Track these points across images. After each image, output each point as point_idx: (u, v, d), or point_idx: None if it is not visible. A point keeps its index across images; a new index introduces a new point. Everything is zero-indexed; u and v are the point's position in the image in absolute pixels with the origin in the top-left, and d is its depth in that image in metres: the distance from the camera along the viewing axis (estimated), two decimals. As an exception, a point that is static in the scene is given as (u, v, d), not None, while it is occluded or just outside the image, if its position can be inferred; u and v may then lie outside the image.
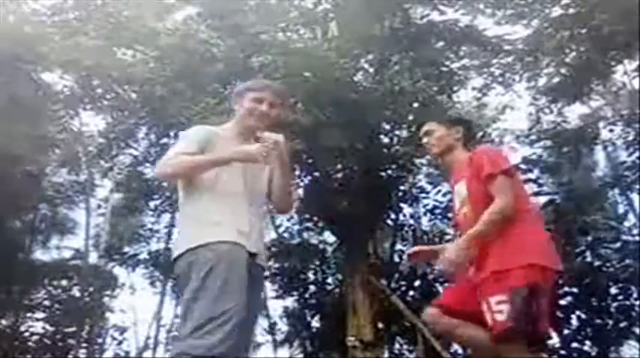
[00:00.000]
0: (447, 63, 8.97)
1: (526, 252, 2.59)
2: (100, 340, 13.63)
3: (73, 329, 12.67)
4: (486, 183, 2.71)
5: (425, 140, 3.09)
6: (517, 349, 2.52)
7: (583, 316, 8.30)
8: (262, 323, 16.98)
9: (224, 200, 2.52)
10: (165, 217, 12.37)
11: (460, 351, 8.99)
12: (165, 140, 10.08)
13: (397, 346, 10.37)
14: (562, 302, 8.20)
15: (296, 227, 11.49)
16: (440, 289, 9.96)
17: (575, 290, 8.32)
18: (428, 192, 10.49)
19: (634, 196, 11.44)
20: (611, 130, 11.53)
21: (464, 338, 2.81)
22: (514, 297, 2.50)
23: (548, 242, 2.74)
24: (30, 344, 12.54)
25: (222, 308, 2.26)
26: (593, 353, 8.22)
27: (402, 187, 9.63)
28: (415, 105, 8.22)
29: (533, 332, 2.54)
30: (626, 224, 9.60)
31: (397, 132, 8.92)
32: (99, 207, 15.04)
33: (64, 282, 13.39)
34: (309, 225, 10.70)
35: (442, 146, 3.01)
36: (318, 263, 10.92)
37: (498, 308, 2.52)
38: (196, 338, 2.24)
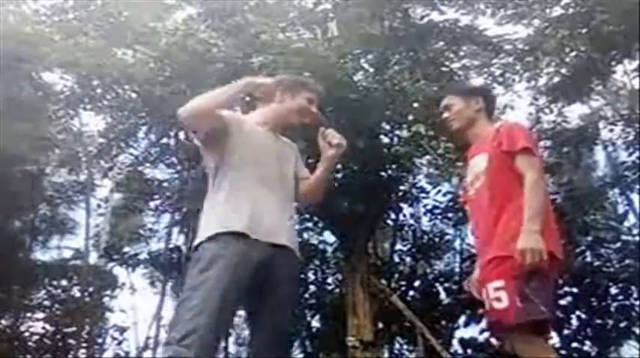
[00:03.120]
0: (447, 63, 8.97)
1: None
2: (100, 340, 13.59)
3: (73, 329, 12.64)
4: (516, 155, 2.52)
5: (445, 115, 2.86)
6: (524, 339, 2.31)
7: (583, 316, 8.30)
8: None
9: (242, 184, 2.43)
10: (165, 217, 12.37)
11: (460, 351, 8.99)
12: (165, 140, 10.09)
13: (397, 346, 10.37)
14: (562, 302, 8.20)
15: (296, 227, 11.46)
16: (440, 289, 9.96)
17: (575, 290, 8.33)
18: (428, 192, 10.49)
19: (634, 196, 11.42)
20: (611, 130, 11.51)
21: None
22: (515, 284, 2.30)
23: (552, 229, 2.51)
24: (30, 344, 12.52)
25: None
26: (593, 353, 8.23)
27: (402, 187, 9.63)
28: (415, 105, 8.22)
29: (536, 321, 2.30)
30: (626, 224, 9.58)
31: (397, 132, 8.91)
32: (99, 207, 15.00)
33: (64, 282, 13.36)
34: (309, 225, 10.69)
35: (463, 120, 2.80)
36: (318, 263, 10.91)
37: (496, 295, 2.33)
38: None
